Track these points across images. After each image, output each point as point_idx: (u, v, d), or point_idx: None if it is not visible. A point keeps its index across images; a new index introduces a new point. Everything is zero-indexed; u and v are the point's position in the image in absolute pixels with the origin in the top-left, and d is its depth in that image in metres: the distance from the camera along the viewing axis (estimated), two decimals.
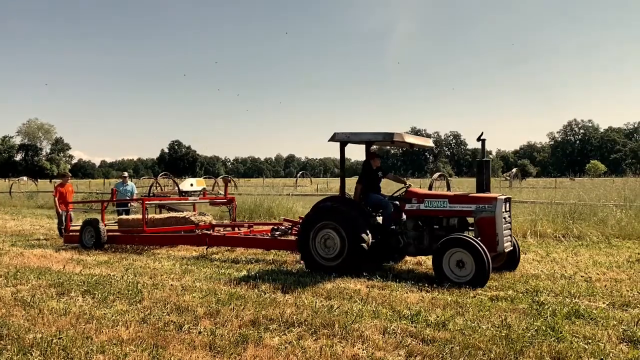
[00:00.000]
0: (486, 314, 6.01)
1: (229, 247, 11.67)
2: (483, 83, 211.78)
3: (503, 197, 8.09)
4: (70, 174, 16.24)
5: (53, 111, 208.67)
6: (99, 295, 7.12)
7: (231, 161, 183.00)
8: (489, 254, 7.43)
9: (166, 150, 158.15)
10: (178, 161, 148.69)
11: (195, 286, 7.76)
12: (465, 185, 34.00)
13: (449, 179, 26.22)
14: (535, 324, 5.54)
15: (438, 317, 5.86)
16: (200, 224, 12.69)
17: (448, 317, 5.85)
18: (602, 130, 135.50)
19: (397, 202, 8.80)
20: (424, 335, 5.25)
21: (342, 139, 8.87)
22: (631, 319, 5.70)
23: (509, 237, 8.26)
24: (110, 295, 7.17)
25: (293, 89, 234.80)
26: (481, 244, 7.42)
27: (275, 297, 6.94)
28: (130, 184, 15.83)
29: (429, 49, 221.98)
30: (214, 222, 13.29)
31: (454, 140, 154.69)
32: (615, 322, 5.58)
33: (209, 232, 11.46)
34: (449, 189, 22.85)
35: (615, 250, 11.23)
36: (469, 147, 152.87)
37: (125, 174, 16.31)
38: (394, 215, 8.73)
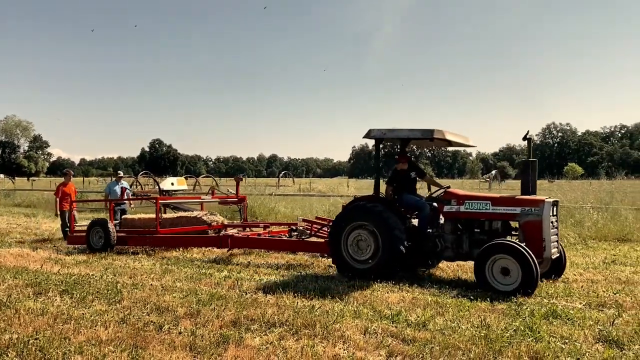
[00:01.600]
0: (466, 314, 6.07)
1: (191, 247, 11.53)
2: (464, 85, 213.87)
3: (551, 200, 7.65)
4: (72, 172, 15.42)
5: (31, 108, 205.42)
6: (78, 295, 7.03)
7: (213, 160, 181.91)
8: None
9: (147, 149, 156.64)
10: (159, 160, 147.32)
11: (176, 286, 7.71)
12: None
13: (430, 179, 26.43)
14: (513, 324, 5.61)
15: (418, 317, 5.91)
16: (212, 224, 12.25)
17: (428, 317, 5.89)
18: (579, 133, 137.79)
19: (435, 204, 8.34)
20: (405, 335, 5.28)
21: (378, 136, 8.40)
22: (607, 319, 5.81)
23: (556, 242, 7.78)
24: (89, 295, 7.08)
25: (277, 89, 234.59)
26: (529, 250, 6.95)
27: (256, 297, 6.92)
28: (125, 183, 15.41)
29: (410, 51, 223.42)
30: (225, 222, 12.85)
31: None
32: (591, 322, 5.68)
33: (230, 234, 10.93)
34: (429, 189, 23.10)
35: (592, 251, 11.43)
36: (450, 148, 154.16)
37: (120, 172, 15.80)
38: (430, 217, 8.30)
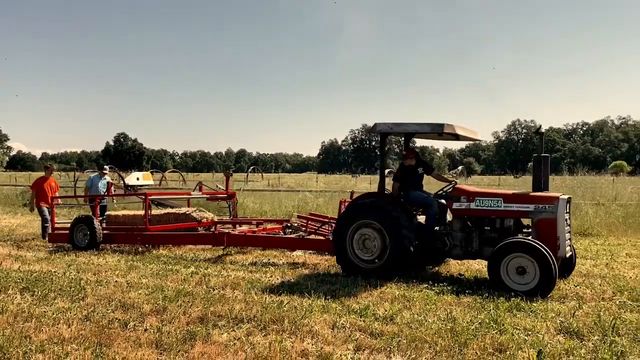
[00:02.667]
0: (432, 307, 6.15)
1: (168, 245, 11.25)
2: (431, 81, 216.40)
3: (565, 197, 7.40)
4: (54, 167, 14.57)
5: None
6: (39, 293, 6.84)
7: (179, 155, 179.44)
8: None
9: (111, 143, 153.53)
10: (124, 154, 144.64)
11: (142, 283, 7.58)
12: None
13: None
14: (479, 317, 5.71)
15: (386, 311, 5.96)
16: (202, 220, 11.81)
17: (396, 311, 5.95)
18: (543, 130, 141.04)
19: (442, 201, 8.11)
20: (372, 329, 5.32)
21: (384, 130, 8.07)
22: (568, 310, 5.97)
23: (569, 240, 7.51)
24: (51, 292, 6.90)
25: (245, 83, 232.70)
26: (547, 249, 6.75)
27: (224, 294, 6.87)
28: (108, 178, 14.56)
29: (380, 46, 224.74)
30: (215, 219, 12.39)
31: (403, 138, 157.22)
32: (553, 314, 5.83)
33: (227, 231, 10.50)
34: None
35: None
36: (418, 144, 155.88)
37: (106, 168, 15.00)
38: (438, 214, 8.10)
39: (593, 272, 8.56)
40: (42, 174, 13.78)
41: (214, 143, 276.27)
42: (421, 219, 8.26)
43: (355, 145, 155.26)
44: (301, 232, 10.86)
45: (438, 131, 7.70)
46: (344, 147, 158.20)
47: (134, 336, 5.12)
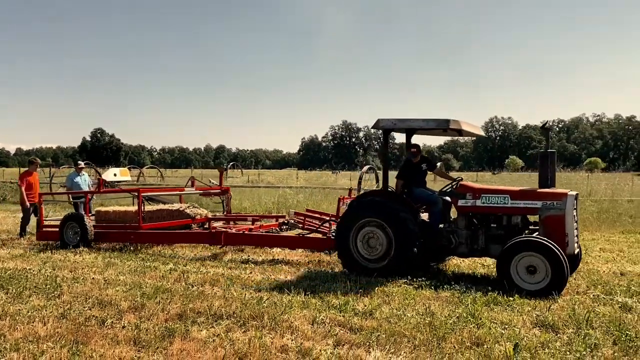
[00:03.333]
0: (411, 302, 6.21)
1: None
2: (409, 79, 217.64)
3: (573, 193, 7.30)
4: (39, 161, 13.78)
5: None
6: (14, 290, 6.72)
7: (157, 151, 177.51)
8: None
9: (88, 139, 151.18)
10: (101, 150, 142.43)
11: (119, 279, 7.50)
12: (392, 178, 34.96)
13: (377, 172, 26.85)
14: (456, 311, 5.78)
15: (365, 306, 5.99)
16: (196, 217, 11.46)
17: (375, 305, 5.99)
18: (520, 127, 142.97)
19: (447, 198, 8.02)
20: (352, 324, 5.35)
21: (387, 126, 7.95)
22: (543, 305, 6.07)
23: (576, 237, 7.37)
24: (25, 290, 6.78)
25: (225, 79, 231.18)
26: (558, 248, 6.63)
27: (203, 290, 6.83)
28: (86, 174, 14.00)
29: (359, 43, 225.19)
30: (209, 215, 12.03)
31: (382, 135, 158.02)
32: (529, 308, 5.93)
33: (224, 229, 10.18)
34: (377, 181, 23.42)
35: None
36: (397, 141, 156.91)
37: (82, 163, 14.38)
38: (442, 212, 8.01)
39: None
40: (16, 170, 13.36)
41: (192, 139, 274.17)
42: (424, 216, 8.14)
43: (336, 142, 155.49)
44: (300, 230, 10.64)
45: (443, 127, 7.59)
46: (324, 144, 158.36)
47: (112, 333, 5.07)
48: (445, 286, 6.99)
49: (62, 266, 8.58)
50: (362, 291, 6.78)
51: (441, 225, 7.91)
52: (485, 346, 4.71)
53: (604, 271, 8.27)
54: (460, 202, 7.67)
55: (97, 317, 5.60)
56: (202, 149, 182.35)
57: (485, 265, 8.75)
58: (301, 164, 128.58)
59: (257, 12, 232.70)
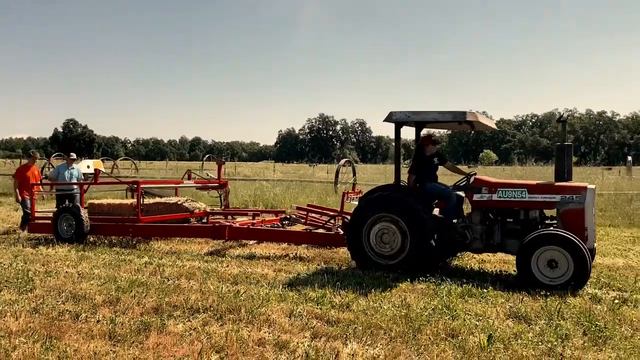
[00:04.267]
0: (387, 294, 6.27)
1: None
2: (386, 72, 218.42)
3: (592, 186, 7.18)
4: (38, 154, 13.10)
5: None
6: None
7: (132, 142, 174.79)
8: None
9: (60, 130, 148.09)
10: (73, 141, 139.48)
11: (93, 273, 7.40)
12: (369, 172, 35.07)
13: (354, 165, 26.99)
14: (432, 303, 5.86)
15: (342, 298, 6.03)
16: (195, 211, 11.19)
17: (352, 298, 6.03)
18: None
19: (460, 193, 7.83)
20: (329, 317, 5.38)
21: (401, 119, 7.66)
22: (517, 297, 6.19)
23: (594, 232, 7.25)
24: None
25: (200, 69, 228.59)
26: (581, 241, 6.50)
27: (179, 284, 6.79)
28: (76, 167, 13.28)
29: (335, 35, 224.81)
30: (208, 209, 11.79)
31: (359, 128, 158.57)
32: (503, 300, 6.04)
33: (228, 224, 9.85)
34: (354, 174, 23.52)
35: None
36: (374, 134, 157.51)
37: (73, 155, 13.52)
38: (457, 207, 7.84)
39: None
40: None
41: (167, 130, 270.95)
42: (435, 211, 7.96)
43: (313, 135, 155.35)
44: (301, 224, 10.47)
45: (460, 119, 7.38)
46: (301, 137, 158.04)
47: (86, 328, 5.01)
48: (420, 278, 7.07)
49: (34, 260, 8.42)
50: (339, 284, 6.80)
51: (454, 221, 7.75)
52: (460, 337, 4.79)
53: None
54: (476, 197, 7.49)
55: (70, 311, 5.52)
56: (177, 140, 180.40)
57: (459, 258, 8.88)
58: (278, 157, 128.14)
59: (234, 2, 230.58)
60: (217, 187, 12.83)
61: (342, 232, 9.03)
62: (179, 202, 11.33)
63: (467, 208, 8.18)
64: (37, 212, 11.29)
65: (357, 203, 10.73)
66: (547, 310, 5.61)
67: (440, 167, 8.25)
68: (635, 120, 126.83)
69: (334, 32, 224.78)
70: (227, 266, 8.03)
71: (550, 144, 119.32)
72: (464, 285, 6.63)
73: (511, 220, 7.48)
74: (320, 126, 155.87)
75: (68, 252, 9.18)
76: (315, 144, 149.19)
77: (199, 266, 7.95)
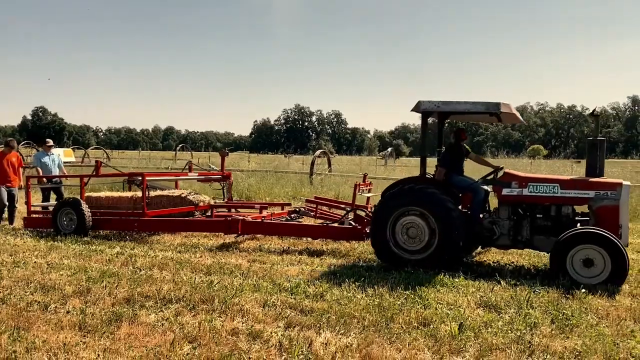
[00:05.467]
0: (361, 284, 6.31)
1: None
2: (360, 65, 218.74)
3: (628, 182, 7.04)
4: (14, 142, 12.24)
5: None
6: None
7: (103, 131, 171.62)
8: None
9: (29, 117, 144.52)
10: (43, 130, 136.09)
11: (63, 264, 7.27)
12: (345, 163, 35.17)
13: (330, 156, 27.05)
14: (404, 292, 5.92)
15: (317, 288, 6.05)
16: (199, 204, 10.72)
17: (326, 288, 6.06)
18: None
19: (486, 187, 7.62)
20: (303, 306, 5.40)
21: (429, 109, 7.40)
22: (487, 286, 6.30)
23: (627, 228, 7.06)
24: None
25: (173, 58, 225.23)
26: (619, 239, 6.38)
27: (151, 274, 6.72)
28: (55, 153, 12.70)
29: (310, 27, 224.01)
30: (212, 202, 11.32)
31: (335, 119, 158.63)
32: (473, 289, 6.14)
33: (241, 217, 9.41)
34: (329, 165, 23.57)
35: None
36: (349, 125, 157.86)
37: (50, 141, 12.86)
38: (484, 201, 7.62)
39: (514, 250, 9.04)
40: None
41: (140, 119, 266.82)
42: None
43: (288, 126, 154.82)
44: (318, 219, 10.23)
45: (494, 111, 7.12)
46: (276, 127, 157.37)
47: (56, 319, 4.93)
48: (393, 268, 7.12)
49: (1, 250, 8.23)
50: (314, 274, 6.84)
51: (480, 215, 7.54)
52: (432, 326, 4.86)
53: (544, 253, 8.61)
54: (505, 191, 7.26)
55: (39, 302, 5.43)
56: (150, 130, 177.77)
57: None
58: (253, 147, 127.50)
59: None
60: (220, 179, 12.28)
61: (354, 225, 8.79)
62: (183, 195, 10.89)
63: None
64: (33, 205, 10.86)
65: (368, 195, 10.63)
66: (516, 299, 5.72)
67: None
68: (604, 115, 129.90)
69: (310, 22, 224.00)
70: (201, 257, 7.97)
71: (522, 136, 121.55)
72: (437, 275, 6.71)
73: (541, 216, 7.29)
74: (296, 117, 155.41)
75: (37, 242, 8.99)
76: (290, 134, 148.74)
77: (171, 257, 7.88)
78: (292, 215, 10.31)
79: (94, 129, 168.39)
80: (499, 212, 7.41)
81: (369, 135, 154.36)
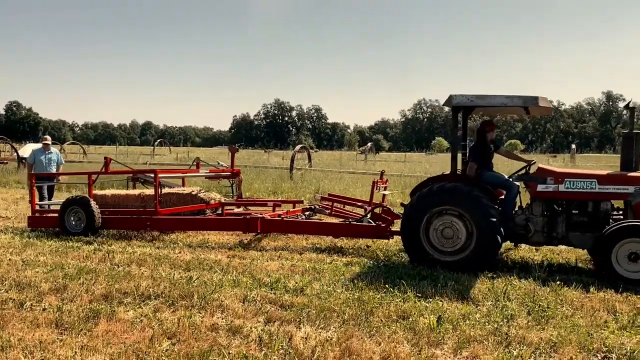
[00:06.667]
0: (341, 278, 6.34)
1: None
2: (341, 58, 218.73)
3: None
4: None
5: None
6: None
7: (80, 126, 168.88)
8: None
9: (2, 112, 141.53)
10: (17, 124, 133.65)
11: (39, 260, 7.15)
12: (325, 158, 35.22)
13: (310, 151, 27.03)
14: (384, 286, 5.96)
15: (297, 283, 6.06)
16: (210, 202, 10.39)
17: (306, 282, 6.07)
18: (446, 109, 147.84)
19: (516, 183, 7.38)
20: (283, 301, 5.40)
21: (463, 103, 7.15)
22: (465, 279, 6.37)
23: None
24: None
25: (150, 51, 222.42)
26: None
27: (130, 270, 6.65)
28: (55, 152, 12.20)
29: (290, 21, 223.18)
30: (223, 199, 10.94)
31: (315, 114, 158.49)
32: (452, 282, 6.20)
33: (260, 216, 9.06)
34: (310, 160, 23.57)
35: None
36: (329, 120, 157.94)
37: (47, 139, 12.33)
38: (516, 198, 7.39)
39: None
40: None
41: (117, 114, 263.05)
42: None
43: (268, 120, 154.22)
44: (334, 217, 10.00)
45: (532, 104, 6.93)
46: (256, 122, 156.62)
47: (31, 316, 4.86)
48: (373, 262, 7.17)
49: None
50: (294, 269, 6.84)
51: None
52: (411, 319, 4.90)
53: (522, 247, 8.76)
54: (540, 187, 7.06)
55: (14, 299, 5.33)
56: (128, 125, 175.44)
57: None
58: (233, 142, 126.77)
59: None
60: (229, 176, 11.94)
61: (377, 223, 8.55)
62: (193, 193, 10.52)
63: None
64: (37, 204, 10.47)
65: (385, 192, 10.42)
66: (493, 292, 5.80)
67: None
68: (579, 110, 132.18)
69: (289, 16, 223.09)
70: (180, 252, 7.92)
71: (499, 132, 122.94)
72: (416, 268, 6.77)
73: (577, 212, 7.08)
74: (276, 112, 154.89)
75: (12, 238, 8.83)
76: (270, 129, 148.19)
77: (150, 253, 7.81)
78: (307, 213, 10.02)
79: (70, 123, 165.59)
80: (532, 208, 7.20)
81: (349, 130, 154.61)
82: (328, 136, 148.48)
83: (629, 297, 5.67)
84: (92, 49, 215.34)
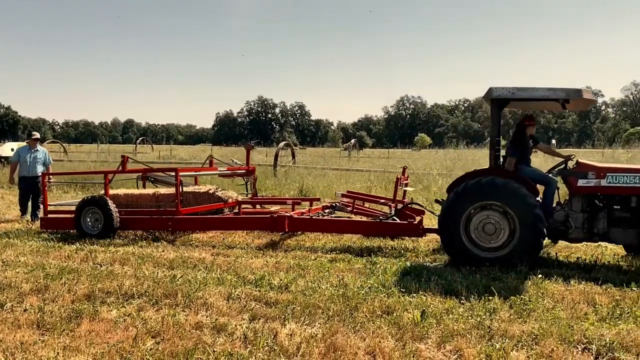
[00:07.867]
0: (325, 274, 6.36)
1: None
2: (324, 56, 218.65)
3: None
4: None
5: None
6: None
7: (60, 125, 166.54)
8: None
9: None
10: None
11: (20, 261, 7.06)
12: (309, 155, 35.21)
13: (293, 148, 26.99)
14: (368, 282, 6.00)
15: (281, 280, 6.06)
16: (228, 200, 10.16)
17: (291, 279, 6.07)
18: (429, 106, 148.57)
19: (555, 178, 7.28)
20: (268, 298, 5.40)
21: (503, 96, 7.00)
22: (449, 274, 6.42)
23: None
24: None
25: (132, 48, 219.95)
26: None
27: (112, 270, 6.59)
28: (42, 150, 11.65)
29: (272, 18, 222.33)
30: (240, 198, 10.69)
31: (299, 111, 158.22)
32: (435, 277, 6.25)
33: (288, 214, 8.70)
34: (293, 157, 23.54)
35: (437, 212, 12.47)
36: (313, 117, 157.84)
37: (36, 134, 11.87)
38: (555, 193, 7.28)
39: None
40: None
41: (98, 112, 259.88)
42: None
43: (251, 118, 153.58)
44: (357, 215, 9.88)
45: (576, 97, 6.76)
46: (239, 119, 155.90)
47: (12, 317, 4.79)
48: (357, 258, 7.20)
49: None
50: (278, 266, 6.84)
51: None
52: (395, 314, 4.94)
53: None
54: (581, 182, 6.92)
55: None
56: (109, 123, 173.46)
57: (395, 237, 9.09)
58: (216, 140, 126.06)
59: None
60: (244, 174, 11.65)
61: (409, 221, 8.43)
62: (210, 191, 10.27)
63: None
64: (50, 204, 10.19)
65: (407, 189, 10.33)
66: (476, 286, 5.86)
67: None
68: None
69: (271, 13, 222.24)
70: (163, 251, 7.87)
71: (481, 127, 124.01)
72: (399, 264, 6.81)
73: (619, 207, 6.91)
74: (259, 109, 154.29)
75: None
76: (254, 126, 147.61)
77: (133, 251, 7.74)
78: (327, 211, 9.82)
79: (50, 122, 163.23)
80: (572, 204, 7.07)
81: (332, 127, 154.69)
82: (312, 133, 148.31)
83: (609, 290, 5.77)
84: (72, 46, 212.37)
